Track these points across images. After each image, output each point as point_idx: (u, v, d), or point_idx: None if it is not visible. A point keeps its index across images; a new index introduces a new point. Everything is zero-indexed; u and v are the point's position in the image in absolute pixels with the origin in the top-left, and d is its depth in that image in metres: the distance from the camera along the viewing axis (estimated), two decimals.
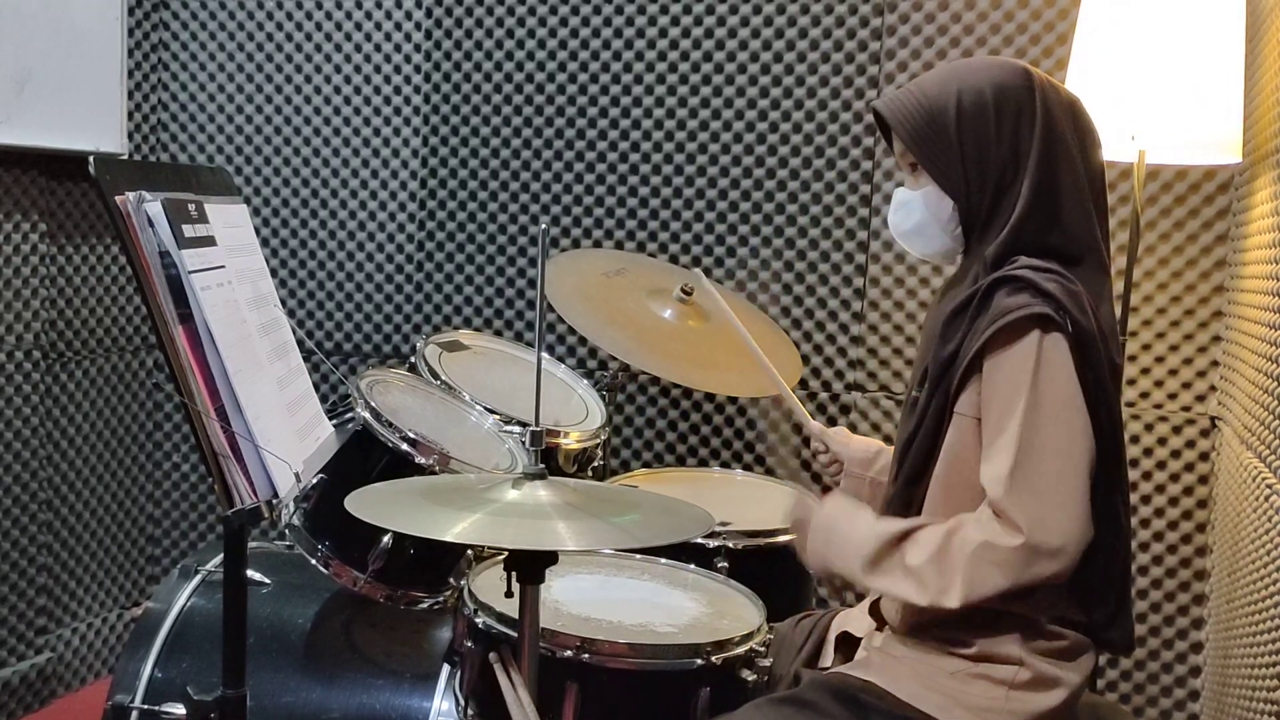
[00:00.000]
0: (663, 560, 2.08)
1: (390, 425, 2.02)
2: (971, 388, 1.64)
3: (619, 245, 3.12)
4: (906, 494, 1.73)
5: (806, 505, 1.78)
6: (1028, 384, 1.57)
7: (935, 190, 1.72)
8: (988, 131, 1.67)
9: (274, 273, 3.29)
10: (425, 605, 2.10)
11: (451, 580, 2.10)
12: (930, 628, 1.68)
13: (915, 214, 1.75)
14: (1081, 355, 1.60)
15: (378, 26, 3.26)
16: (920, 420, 1.70)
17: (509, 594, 1.60)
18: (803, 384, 3.00)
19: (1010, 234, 1.65)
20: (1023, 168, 1.66)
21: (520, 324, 3.22)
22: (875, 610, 1.82)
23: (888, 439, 2.96)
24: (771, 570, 2.22)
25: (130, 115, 3.24)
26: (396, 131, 3.27)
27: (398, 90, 3.26)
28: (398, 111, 3.26)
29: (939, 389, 1.67)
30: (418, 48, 3.23)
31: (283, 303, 2.13)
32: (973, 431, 1.64)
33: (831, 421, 3.01)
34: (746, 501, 2.52)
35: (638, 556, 2.09)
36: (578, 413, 2.56)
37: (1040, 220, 1.66)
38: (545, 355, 2.64)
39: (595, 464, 2.47)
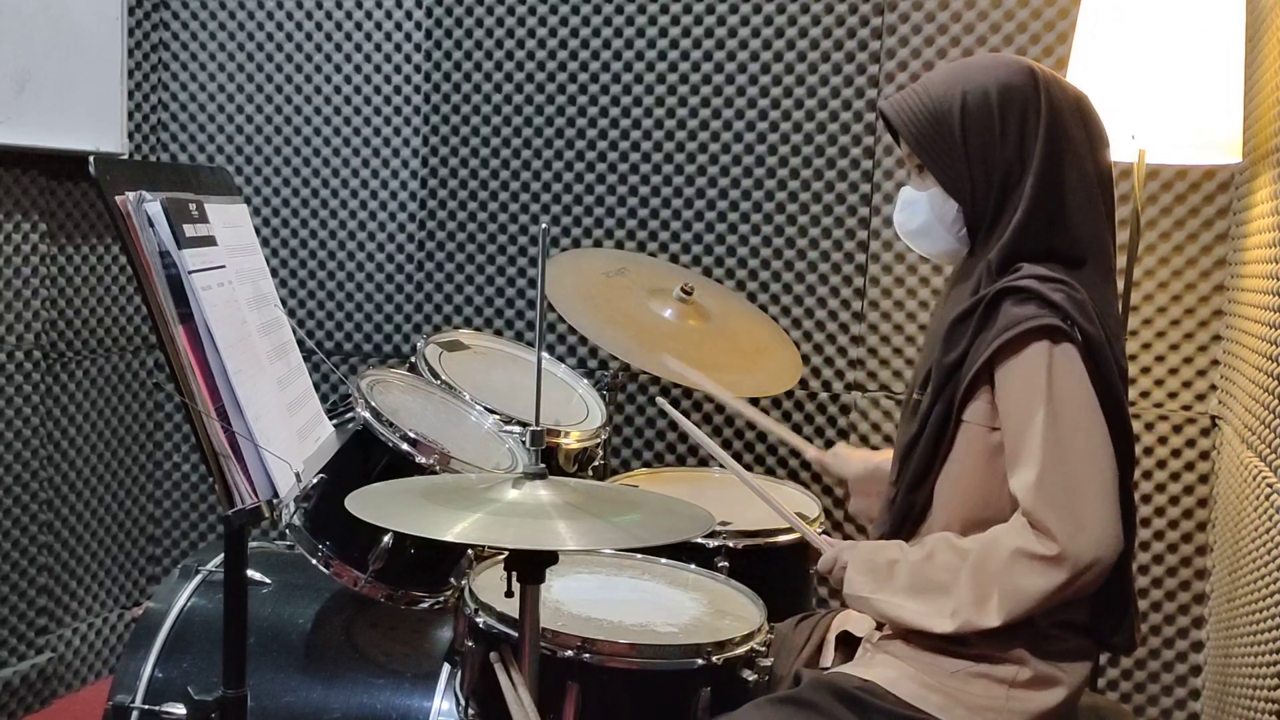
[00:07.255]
0: (663, 560, 2.08)
1: (390, 425, 2.02)
2: (981, 397, 1.64)
3: (619, 245, 3.12)
4: (909, 500, 1.72)
5: (843, 552, 1.76)
6: (1043, 393, 1.56)
7: (940, 192, 1.71)
8: (992, 132, 1.66)
9: (274, 273, 3.29)
10: (426, 605, 2.10)
11: (452, 580, 2.10)
12: None
13: (920, 215, 1.74)
14: (1093, 363, 1.59)
15: (378, 26, 3.26)
16: (922, 425, 1.69)
17: (509, 594, 1.60)
18: (803, 384, 3.00)
19: (1014, 235, 1.64)
20: (1028, 167, 1.65)
21: (520, 324, 3.22)
22: None
23: (888, 439, 2.97)
24: (771, 570, 2.22)
25: (130, 115, 3.24)
26: (397, 131, 3.27)
27: (398, 90, 3.25)
28: (398, 111, 3.26)
29: (942, 395, 1.66)
30: (418, 48, 3.23)
31: (283, 303, 2.13)
32: (982, 440, 1.64)
33: (832, 422, 3.01)
34: (747, 501, 2.51)
35: (638, 556, 2.09)
36: (578, 412, 2.55)
37: (1044, 221, 1.64)
38: (545, 355, 2.63)
39: (595, 464, 2.47)
